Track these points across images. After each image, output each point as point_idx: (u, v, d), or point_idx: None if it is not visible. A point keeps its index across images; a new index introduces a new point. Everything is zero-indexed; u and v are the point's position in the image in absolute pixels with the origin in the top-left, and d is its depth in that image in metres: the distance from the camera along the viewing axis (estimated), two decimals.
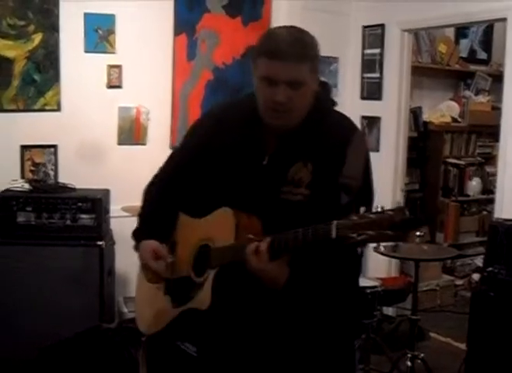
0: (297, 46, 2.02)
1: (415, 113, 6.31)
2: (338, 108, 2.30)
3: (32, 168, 4.57)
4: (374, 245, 1.80)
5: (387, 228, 1.66)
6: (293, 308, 2.06)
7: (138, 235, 2.36)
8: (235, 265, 2.01)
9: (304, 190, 2.04)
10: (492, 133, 6.40)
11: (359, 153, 2.05)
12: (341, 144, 2.04)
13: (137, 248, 2.33)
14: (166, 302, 2.29)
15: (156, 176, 2.50)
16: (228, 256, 2.05)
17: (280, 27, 2.13)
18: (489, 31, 6.99)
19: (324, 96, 2.24)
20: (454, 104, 6.68)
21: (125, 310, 4.52)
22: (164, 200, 2.40)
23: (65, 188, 4.29)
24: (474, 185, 6.84)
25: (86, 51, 4.67)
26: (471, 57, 6.99)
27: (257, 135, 2.16)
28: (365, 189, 2.03)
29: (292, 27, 2.11)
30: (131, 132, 4.88)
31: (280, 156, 2.11)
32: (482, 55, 7.10)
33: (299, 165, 2.06)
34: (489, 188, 6.82)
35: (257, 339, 2.14)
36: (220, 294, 2.07)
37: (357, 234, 1.70)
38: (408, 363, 4.09)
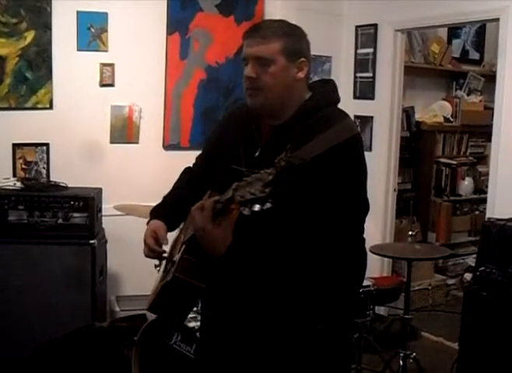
0: (269, 26, 2.14)
1: (407, 113, 6.31)
2: None
3: (24, 166, 4.55)
4: None
5: (264, 186, 1.71)
6: (268, 289, 2.05)
7: (153, 212, 2.45)
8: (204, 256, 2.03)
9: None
10: (484, 133, 6.44)
11: (329, 138, 2.03)
12: (318, 132, 2.04)
13: (148, 223, 2.42)
14: (159, 279, 2.37)
15: (188, 167, 2.63)
16: (191, 229, 2.11)
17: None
18: (481, 31, 7.01)
19: (322, 91, 2.25)
20: (447, 104, 6.70)
21: (117, 309, 4.51)
22: (185, 190, 2.49)
23: (57, 186, 4.27)
24: (466, 185, 6.86)
25: (79, 49, 4.66)
26: (464, 57, 7.02)
27: (255, 130, 2.24)
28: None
29: (283, 19, 2.20)
30: (124, 131, 4.87)
31: (270, 148, 2.14)
32: (475, 55, 7.12)
33: (283, 155, 2.07)
34: (481, 188, 6.85)
35: (250, 333, 2.15)
36: (189, 271, 2.10)
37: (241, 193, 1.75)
38: (400, 362, 4.11)
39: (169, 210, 2.44)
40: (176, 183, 2.58)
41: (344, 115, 2.21)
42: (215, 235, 1.94)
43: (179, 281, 2.08)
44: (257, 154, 2.19)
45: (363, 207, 2.13)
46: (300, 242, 1.99)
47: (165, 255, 2.37)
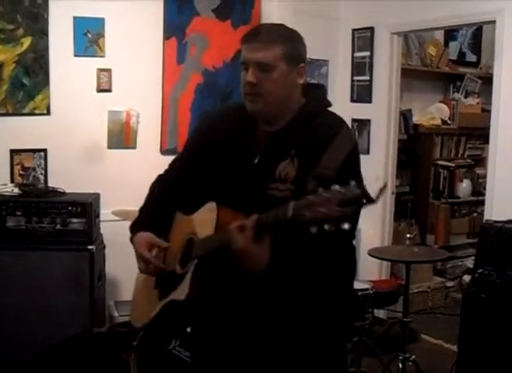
0: (269, 31, 2.13)
1: (405, 116, 6.31)
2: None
3: (21, 172, 4.55)
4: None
5: (338, 205, 1.65)
6: (278, 300, 2.06)
7: (135, 227, 2.38)
8: (217, 258, 2.02)
9: (290, 186, 2.07)
10: (481, 135, 6.43)
11: (341, 147, 2.05)
12: (326, 139, 2.05)
13: (132, 240, 2.35)
14: (154, 296, 2.33)
15: (161, 175, 2.54)
16: (209, 245, 2.07)
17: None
18: (478, 34, 7.02)
19: (317, 96, 2.26)
20: (444, 106, 6.69)
21: (116, 314, 4.51)
22: (164, 197, 2.44)
23: (55, 192, 4.27)
24: (464, 187, 6.86)
25: (76, 55, 4.66)
26: (461, 60, 7.02)
27: (250, 135, 2.22)
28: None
29: (280, 23, 2.20)
30: (121, 136, 4.87)
31: (269, 155, 2.14)
32: (472, 57, 7.12)
33: (287, 163, 2.09)
34: (479, 190, 6.84)
35: (247, 339, 2.14)
36: (203, 288, 2.08)
37: (310, 212, 1.69)
38: (400, 365, 4.11)
39: (150, 222, 2.38)
40: (149, 193, 2.50)
41: (342, 121, 2.22)
42: (258, 255, 1.92)
43: (191, 300, 2.07)
44: (256, 161, 2.17)
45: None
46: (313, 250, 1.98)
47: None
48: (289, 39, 2.14)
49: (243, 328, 2.15)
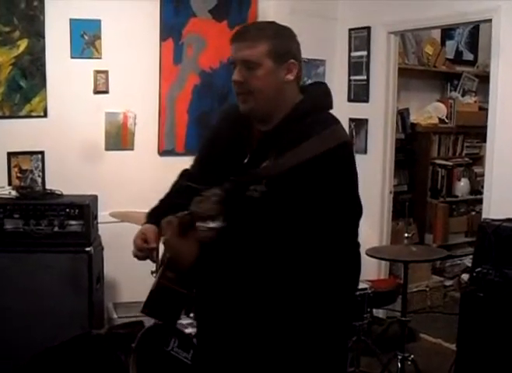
0: (256, 28, 2.12)
1: (402, 115, 6.31)
2: None
3: (19, 174, 4.55)
4: None
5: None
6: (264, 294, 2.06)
7: (148, 216, 2.43)
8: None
9: (264, 187, 2.05)
10: (479, 133, 6.43)
11: (309, 149, 2.00)
12: (303, 139, 2.02)
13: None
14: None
15: (185, 169, 2.56)
16: None
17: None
18: (474, 32, 7.02)
19: (314, 94, 2.23)
20: (441, 105, 6.70)
21: (115, 316, 4.50)
22: (179, 192, 2.43)
23: (53, 194, 4.27)
24: (462, 185, 6.87)
25: (72, 57, 4.66)
26: (458, 59, 7.03)
27: (245, 135, 2.21)
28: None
29: (271, 21, 2.19)
30: (119, 137, 4.87)
31: (258, 154, 2.14)
32: (469, 56, 7.13)
33: (267, 163, 2.09)
34: (477, 188, 6.85)
35: (247, 338, 2.14)
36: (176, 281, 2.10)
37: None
38: (399, 364, 4.10)
39: (162, 214, 2.37)
40: (173, 185, 2.53)
41: (333, 121, 2.15)
42: (180, 248, 2.01)
43: (163, 287, 2.10)
44: (246, 160, 2.17)
45: (353, 213, 2.12)
46: (285, 248, 1.97)
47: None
48: (276, 35, 2.11)
49: (240, 328, 2.14)
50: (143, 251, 2.29)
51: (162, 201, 2.49)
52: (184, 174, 2.55)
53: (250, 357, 2.14)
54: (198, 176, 2.42)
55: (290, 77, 2.14)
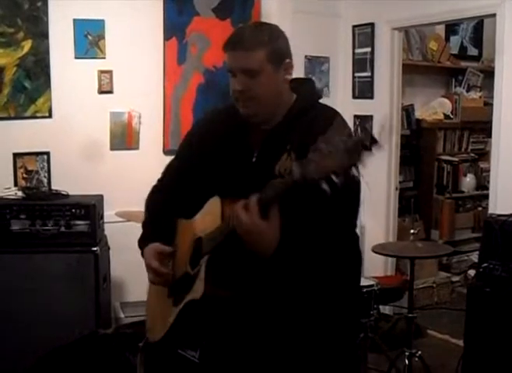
0: (249, 35, 2.10)
1: (407, 111, 6.31)
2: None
3: (25, 175, 4.56)
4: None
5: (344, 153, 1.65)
6: (292, 286, 2.05)
7: (142, 243, 2.38)
8: (228, 248, 2.00)
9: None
10: (484, 129, 6.41)
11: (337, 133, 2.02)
12: (321, 131, 1.96)
13: (143, 255, 2.35)
14: (169, 304, 2.30)
15: (156, 186, 2.52)
16: (217, 235, 2.03)
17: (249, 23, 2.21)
18: (479, 27, 7.01)
19: (307, 90, 2.26)
20: (446, 101, 6.69)
21: (122, 315, 4.52)
22: (165, 206, 2.42)
23: (59, 195, 4.28)
24: (468, 181, 6.86)
25: (76, 57, 4.67)
26: (462, 54, 7.01)
27: (244, 135, 2.21)
28: None
29: (257, 22, 2.19)
30: (124, 137, 4.87)
31: (267, 152, 2.14)
32: (473, 51, 7.11)
33: (284, 158, 2.08)
34: (483, 184, 6.83)
35: (257, 337, 2.14)
36: (218, 282, 2.06)
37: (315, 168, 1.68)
38: (406, 361, 4.10)
39: (154, 235, 2.36)
40: (148, 206, 2.49)
41: (336, 112, 2.17)
42: (266, 232, 1.88)
43: (208, 297, 2.05)
44: (254, 159, 2.17)
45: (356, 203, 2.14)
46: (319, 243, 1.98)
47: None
48: (270, 39, 2.10)
49: (249, 326, 2.15)
50: (163, 275, 2.25)
51: (147, 227, 2.44)
52: (155, 190, 2.51)
53: (259, 354, 2.14)
54: (177, 188, 2.39)
55: (288, 76, 2.16)
